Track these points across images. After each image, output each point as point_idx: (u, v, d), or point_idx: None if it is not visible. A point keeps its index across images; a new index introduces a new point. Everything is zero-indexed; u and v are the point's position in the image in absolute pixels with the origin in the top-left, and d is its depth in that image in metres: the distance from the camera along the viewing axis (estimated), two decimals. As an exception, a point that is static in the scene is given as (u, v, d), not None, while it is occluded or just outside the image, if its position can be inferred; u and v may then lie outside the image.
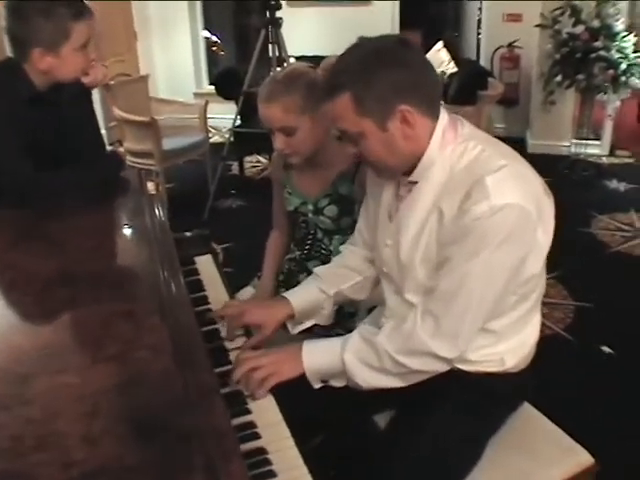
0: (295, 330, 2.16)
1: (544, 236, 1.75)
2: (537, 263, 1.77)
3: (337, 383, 1.86)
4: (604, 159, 7.33)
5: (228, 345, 1.97)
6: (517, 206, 1.63)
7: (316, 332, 2.27)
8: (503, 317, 1.82)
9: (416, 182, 1.82)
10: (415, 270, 1.83)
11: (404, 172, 1.83)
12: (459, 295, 1.69)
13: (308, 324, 2.17)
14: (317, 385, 1.87)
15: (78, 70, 2.39)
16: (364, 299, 2.26)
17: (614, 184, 6.56)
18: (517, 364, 1.91)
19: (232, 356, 1.91)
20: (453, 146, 1.77)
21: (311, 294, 2.14)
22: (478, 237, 1.65)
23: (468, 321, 1.72)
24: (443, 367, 1.78)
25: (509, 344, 1.88)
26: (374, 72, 1.68)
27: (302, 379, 1.84)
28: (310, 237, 2.61)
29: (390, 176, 1.92)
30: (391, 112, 1.70)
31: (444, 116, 1.80)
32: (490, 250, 1.64)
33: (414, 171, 1.80)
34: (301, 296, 2.14)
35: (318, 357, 1.85)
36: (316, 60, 6.65)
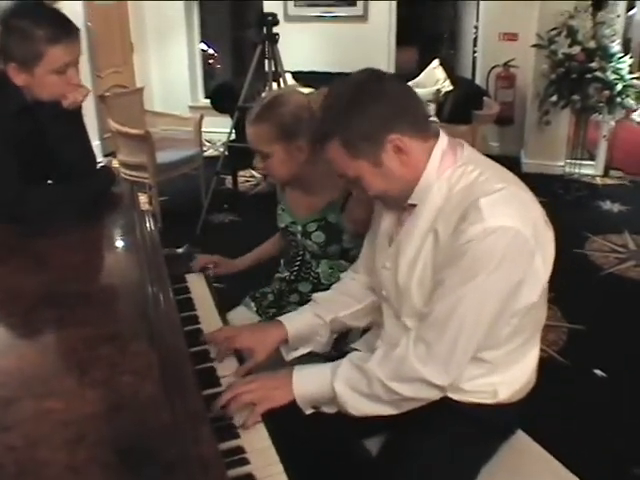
0: (289, 357, 2.11)
1: (543, 265, 1.73)
2: (534, 292, 1.74)
3: (329, 409, 1.84)
4: (598, 179, 7.36)
5: (219, 373, 1.93)
6: (512, 229, 1.62)
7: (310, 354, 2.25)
8: (498, 348, 1.80)
9: (415, 205, 1.80)
10: (411, 293, 1.81)
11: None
12: (451, 321, 1.67)
13: (303, 351, 2.12)
14: (308, 411, 1.84)
15: (54, 93, 2.34)
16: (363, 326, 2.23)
17: (608, 205, 6.57)
18: (510, 397, 1.88)
19: (223, 383, 1.87)
20: (452, 169, 1.76)
21: (307, 319, 2.11)
22: (471, 260, 1.63)
23: (460, 347, 1.69)
24: (436, 395, 1.75)
25: (503, 376, 1.85)
26: (353, 113, 1.70)
27: (293, 404, 1.81)
28: (299, 258, 2.61)
29: (397, 206, 1.90)
30: (381, 145, 1.71)
31: (444, 139, 1.80)
32: (484, 274, 1.62)
33: (412, 194, 1.79)
34: (296, 320, 2.11)
35: (309, 384, 1.82)
36: (312, 76, 6.68)
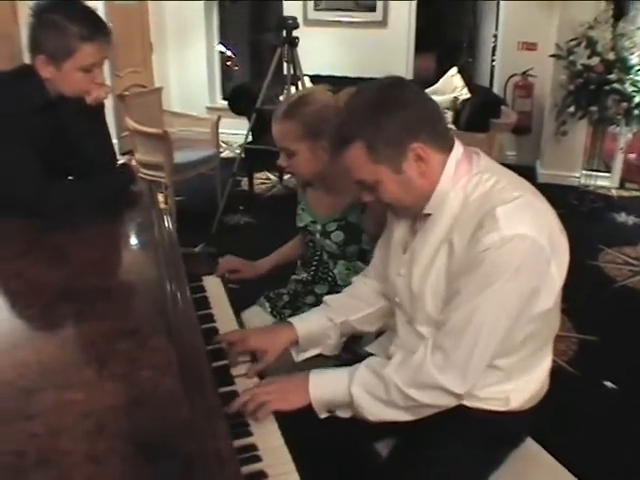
0: (299, 358, 2.13)
1: (558, 272, 1.73)
2: (549, 298, 1.75)
3: (343, 414, 1.85)
4: (614, 191, 7.33)
5: (234, 372, 1.95)
6: (528, 237, 1.63)
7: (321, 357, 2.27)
8: (512, 355, 1.80)
9: (429, 214, 1.82)
10: (425, 300, 1.82)
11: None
12: (468, 329, 1.68)
13: (313, 352, 2.14)
14: (323, 415, 1.85)
15: (77, 89, 2.37)
16: (373, 331, 2.24)
17: (623, 217, 6.55)
18: (522, 405, 1.89)
19: (238, 382, 1.89)
20: (467, 178, 1.77)
21: (317, 321, 2.13)
22: (488, 269, 1.64)
23: (477, 355, 1.70)
24: (452, 402, 1.76)
25: (516, 384, 1.86)
26: (380, 117, 1.71)
27: (307, 407, 1.82)
28: (316, 258, 2.62)
29: (408, 215, 1.93)
30: (404, 152, 1.72)
31: (458, 148, 1.81)
32: (500, 283, 1.63)
33: (428, 204, 1.80)
34: (306, 322, 2.12)
35: (325, 389, 1.83)
36: (330, 80, 6.70)
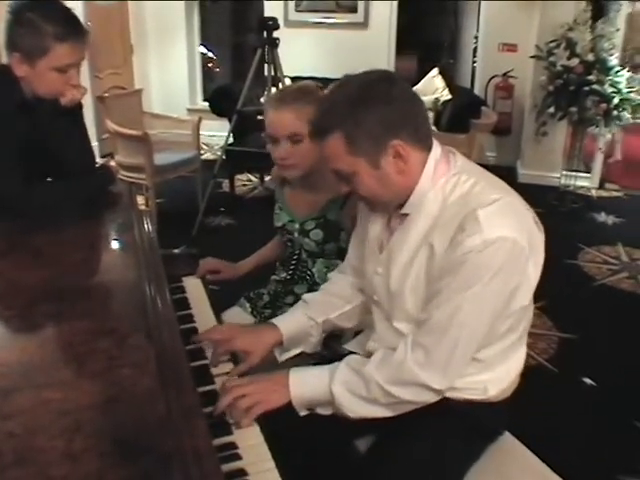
0: (282, 357, 2.13)
1: (534, 269, 1.76)
2: (526, 295, 1.77)
3: (324, 412, 1.85)
4: (593, 192, 7.39)
5: (214, 371, 1.94)
6: (509, 239, 1.64)
7: (302, 354, 2.27)
8: (490, 347, 1.82)
9: (407, 214, 1.82)
10: (404, 299, 1.83)
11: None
12: (450, 328, 1.69)
13: (295, 351, 2.14)
14: (303, 413, 1.85)
15: (52, 89, 2.37)
16: (352, 326, 2.25)
17: (602, 217, 6.60)
18: (499, 394, 1.91)
19: (218, 382, 1.88)
20: (446, 178, 1.78)
21: (299, 321, 2.13)
22: (470, 270, 1.65)
23: (458, 353, 1.71)
24: (433, 398, 1.77)
25: (494, 373, 1.88)
26: (362, 110, 1.70)
27: (287, 405, 1.82)
28: (295, 258, 2.62)
29: (383, 210, 1.93)
30: (383, 149, 1.72)
31: (437, 148, 1.82)
32: (482, 284, 1.65)
33: (406, 203, 1.81)
34: (289, 322, 2.12)
35: (306, 387, 1.83)
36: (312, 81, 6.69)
